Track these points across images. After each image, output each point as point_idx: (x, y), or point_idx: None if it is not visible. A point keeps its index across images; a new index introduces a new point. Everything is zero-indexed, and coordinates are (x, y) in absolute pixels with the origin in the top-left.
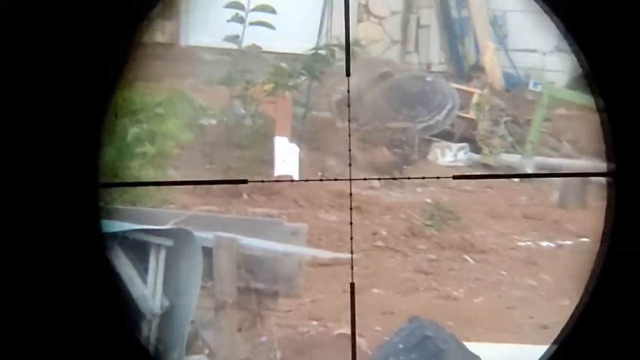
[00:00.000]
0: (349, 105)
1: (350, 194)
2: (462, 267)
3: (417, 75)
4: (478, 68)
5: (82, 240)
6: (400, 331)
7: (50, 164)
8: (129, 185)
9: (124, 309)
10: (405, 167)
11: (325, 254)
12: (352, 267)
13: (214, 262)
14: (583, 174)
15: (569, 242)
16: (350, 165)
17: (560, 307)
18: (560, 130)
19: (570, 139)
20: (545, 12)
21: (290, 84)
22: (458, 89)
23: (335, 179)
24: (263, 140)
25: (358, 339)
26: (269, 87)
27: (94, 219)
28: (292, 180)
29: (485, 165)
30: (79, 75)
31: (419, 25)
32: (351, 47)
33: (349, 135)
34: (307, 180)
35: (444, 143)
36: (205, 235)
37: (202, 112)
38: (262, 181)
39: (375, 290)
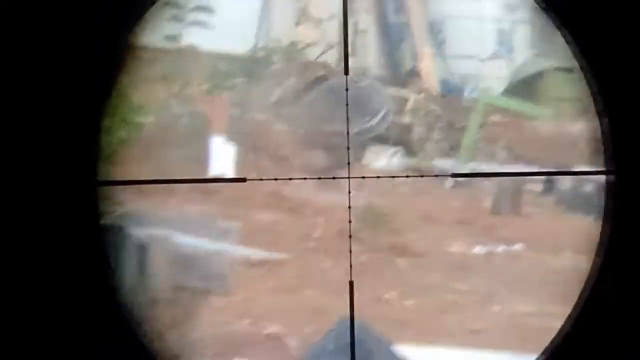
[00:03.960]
0: (347, 105)
1: (349, 192)
2: (395, 270)
3: (352, 79)
4: (414, 74)
5: (81, 237)
6: (330, 332)
7: (50, 164)
8: (127, 184)
9: (118, 301)
10: (339, 170)
11: (257, 254)
12: (350, 265)
13: (147, 259)
14: (584, 172)
15: (502, 248)
16: (349, 163)
17: (490, 313)
18: (495, 136)
19: (505, 145)
20: (551, 19)
21: (227, 84)
22: (393, 94)
23: (334, 177)
24: (199, 140)
25: (288, 339)
26: (205, 87)
27: (93, 217)
28: (290, 179)
29: (419, 170)
30: (77, 76)
31: (356, 30)
32: (288, 51)
33: (347, 134)
34: (305, 179)
35: (378, 147)
36: (139, 233)
37: (137, 110)
38: (261, 179)
39: (307, 291)
